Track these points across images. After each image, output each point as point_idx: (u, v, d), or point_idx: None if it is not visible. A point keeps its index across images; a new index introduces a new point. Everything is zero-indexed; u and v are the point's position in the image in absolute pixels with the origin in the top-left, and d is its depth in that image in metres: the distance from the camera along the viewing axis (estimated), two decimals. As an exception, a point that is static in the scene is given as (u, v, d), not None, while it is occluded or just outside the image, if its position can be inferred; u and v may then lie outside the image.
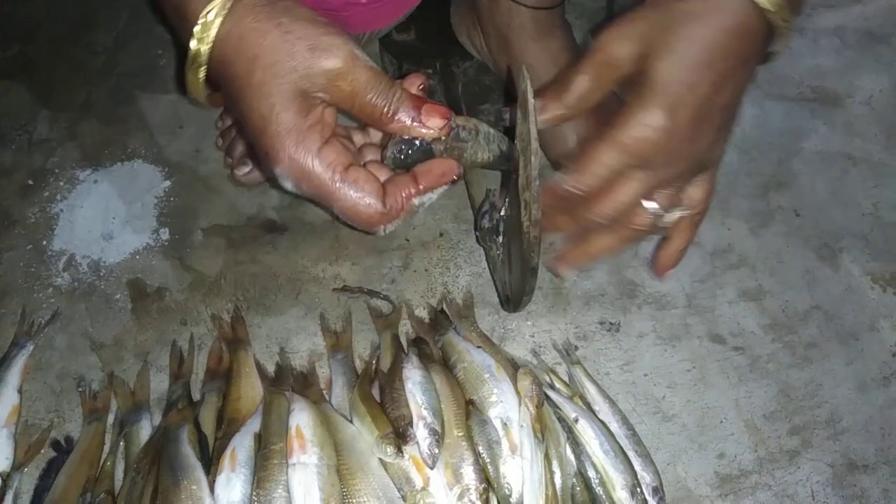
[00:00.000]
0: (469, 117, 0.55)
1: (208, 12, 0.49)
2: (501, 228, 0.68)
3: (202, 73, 0.52)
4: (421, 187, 0.53)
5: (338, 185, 0.51)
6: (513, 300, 0.69)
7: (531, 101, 0.52)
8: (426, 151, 0.53)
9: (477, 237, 0.75)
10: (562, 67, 0.80)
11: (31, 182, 0.86)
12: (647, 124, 0.51)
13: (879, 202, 0.85)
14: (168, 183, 0.86)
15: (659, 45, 0.52)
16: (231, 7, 0.49)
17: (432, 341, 0.72)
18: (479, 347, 0.69)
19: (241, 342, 0.72)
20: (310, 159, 0.50)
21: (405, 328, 0.75)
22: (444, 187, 0.54)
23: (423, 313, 0.76)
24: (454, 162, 0.54)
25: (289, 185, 0.52)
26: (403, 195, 0.53)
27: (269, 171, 0.53)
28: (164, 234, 0.82)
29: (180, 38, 0.53)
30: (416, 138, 0.52)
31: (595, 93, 0.55)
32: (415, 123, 0.52)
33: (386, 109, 0.51)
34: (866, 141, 0.91)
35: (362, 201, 0.51)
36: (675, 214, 0.58)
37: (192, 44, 0.50)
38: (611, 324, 0.76)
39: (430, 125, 0.52)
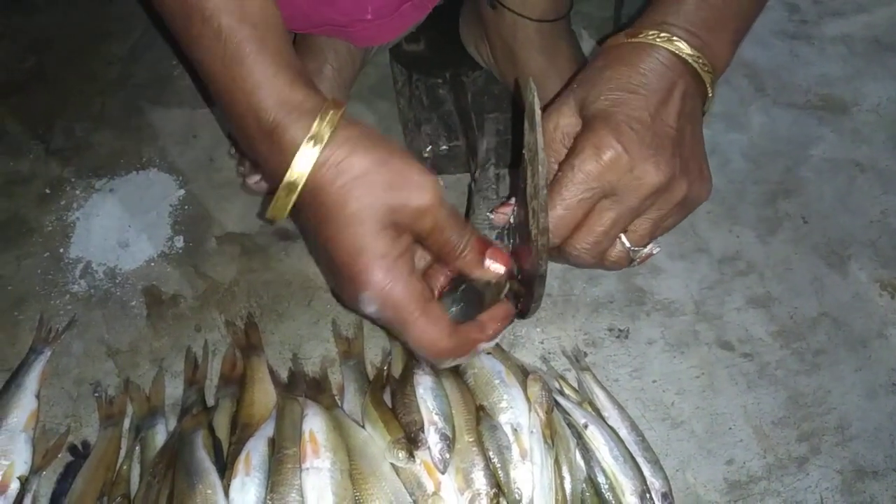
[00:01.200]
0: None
1: (310, 140, 0.50)
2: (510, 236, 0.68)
3: (294, 198, 0.52)
4: (489, 334, 0.57)
5: (417, 316, 0.53)
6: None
7: (538, 112, 0.53)
8: (480, 304, 0.57)
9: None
10: (567, 79, 0.81)
11: (48, 191, 0.88)
12: (598, 147, 0.54)
13: (887, 209, 0.86)
14: (182, 191, 0.87)
15: (590, 92, 0.56)
16: (330, 136, 0.50)
17: (443, 348, 0.73)
18: (489, 354, 0.70)
19: (254, 348, 0.73)
20: (399, 288, 0.52)
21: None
22: (504, 330, 0.59)
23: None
24: (511, 306, 0.59)
25: (371, 308, 0.54)
26: (475, 338, 0.57)
27: (351, 295, 0.54)
28: (179, 242, 0.83)
29: (264, 158, 0.54)
30: (469, 287, 0.57)
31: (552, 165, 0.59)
32: (477, 266, 0.56)
33: (458, 247, 0.54)
34: (874, 148, 0.91)
35: (435, 338, 0.54)
36: (647, 249, 0.60)
37: (289, 173, 0.51)
38: (620, 330, 0.77)
39: (494, 269, 0.56)
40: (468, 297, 0.57)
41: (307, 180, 0.51)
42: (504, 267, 0.56)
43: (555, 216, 0.55)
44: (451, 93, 0.88)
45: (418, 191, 0.52)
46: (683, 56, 0.56)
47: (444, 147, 0.84)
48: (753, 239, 0.83)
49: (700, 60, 0.56)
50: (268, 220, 0.57)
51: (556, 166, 0.58)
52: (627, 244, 0.59)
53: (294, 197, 0.52)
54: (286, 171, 0.51)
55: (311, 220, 0.54)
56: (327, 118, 0.51)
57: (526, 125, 0.56)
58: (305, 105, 0.51)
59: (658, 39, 0.56)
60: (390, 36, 0.84)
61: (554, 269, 0.79)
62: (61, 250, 0.83)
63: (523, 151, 0.57)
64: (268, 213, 0.54)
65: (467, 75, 0.90)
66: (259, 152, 0.53)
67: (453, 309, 0.57)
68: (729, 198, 0.87)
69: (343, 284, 0.55)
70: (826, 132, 0.93)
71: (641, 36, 0.56)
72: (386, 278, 0.52)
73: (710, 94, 0.59)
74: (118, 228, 0.84)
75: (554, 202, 0.55)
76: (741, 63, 0.99)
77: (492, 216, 0.64)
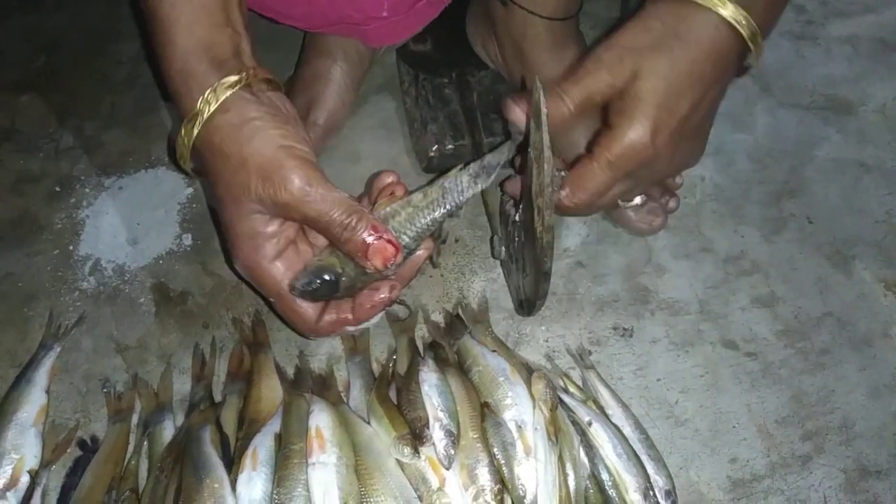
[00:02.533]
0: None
1: (188, 124, 0.55)
2: (515, 234, 0.69)
3: (188, 151, 0.57)
4: (355, 316, 0.60)
5: (282, 297, 0.58)
6: (527, 304, 0.71)
7: (544, 110, 0.54)
8: (332, 286, 0.58)
9: (492, 248, 0.77)
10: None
11: (58, 189, 0.89)
12: (633, 144, 0.56)
13: (892, 209, 0.86)
14: (190, 190, 0.88)
15: (647, 65, 0.56)
16: (205, 123, 0.54)
17: (448, 345, 0.73)
18: (493, 351, 0.70)
19: (261, 345, 0.74)
20: (261, 268, 0.58)
21: (421, 332, 0.76)
22: (379, 315, 0.62)
23: (438, 318, 0.77)
24: (386, 295, 0.60)
25: (244, 276, 0.60)
26: (338, 320, 0.60)
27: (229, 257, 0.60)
28: (187, 240, 0.84)
29: (177, 109, 0.58)
30: (324, 272, 0.58)
31: (588, 106, 0.59)
32: (363, 257, 0.56)
33: (338, 236, 0.56)
34: (879, 148, 0.91)
35: (298, 315, 0.59)
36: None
37: (178, 140, 0.56)
38: (624, 329, 0.77)
39: (374, 264, 0.57)
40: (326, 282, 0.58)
41: (196, 139, 0.55)
42: (382, 264, 0.56)
43: (584, 198, 0.59)
44: (457, 92, 0.89)
45: (282, 186, 0.54)
46: (735, 26, 0.55)
47: (450, 146, 0.85)
48: (758, 239, 0.84)
49: (756, 35, 0.56)
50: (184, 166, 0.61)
51: (571, 107, 0.58)
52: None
53: (187, 150, 0.57)
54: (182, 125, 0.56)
55: (208, 176, 0.58)
56: (208, 101, 0.54)
57: (532, 124, 0.56)
58: (215, 67, 0.55)
59: (717, 2, 0.55)
60: (404, 34, 0.84)
61: (559, 268, 0.80)
62: (71, 247, 0.84)
63: (529, 150, 0.58)
64: (176, 155, 0.59)
65: (473, 75, 0.90)
66: (174, 98, 0.57)
67: (307, 289, 0.58)
68: (734, 198, 0.87)
69: (228, 249, 0.60)
70: (831, 132, 0.93)
71: None
72: (249, 257, 0.57)
73: (754, 56, 0.58)
74: (127, 226, 0.85)
75: (587, 187, 0.58)
76: (747, 63, 0.99)
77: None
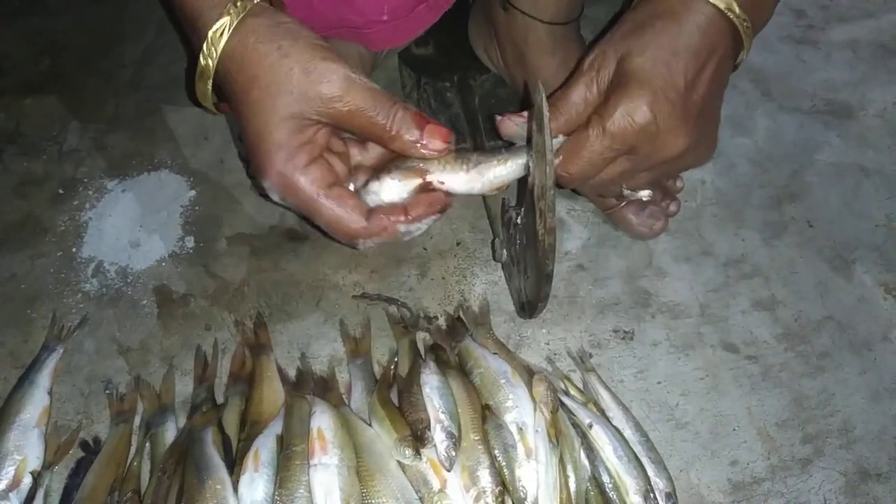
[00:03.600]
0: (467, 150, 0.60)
1: (217, 29, 0.53)
2: (517, 236, 0.69)
3: (209, 85, 0.56)
4: (410, 216, 0.57)
5: (322, 200, 0.55)
6: (528, 306, 0.71)
7: (546, 114, 0.54)
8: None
9: (493, 251, 0.77)
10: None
11: (61, 191, 0.89)
12: (631, 114, 0.55)
13: (892, 213, 0.86)
14: (193, 192, 0.88)
15: (635, 44, 0.56)
16: (236, 27, 0.53)
17: (449, 348, 0.73)
18: (495, 354, 0.70)
19: (263, 347, 0.74)
20: (296, 175, 0.54)
21: (423, 335, 0.76)
22: (432, 217, 0.58)
23: (440, 320, 0.78)
24: (442, 195, 0.58)
25: (276, 197, 0.57)
26: (391, 219, 0.57)
27: (259, 183, 0.57)
28: (190, 242, 0.84)
29: (191, 44, 0.56)
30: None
31: (590, 102, 0.59)
32: (415, 146, 0.55)
33: (388, 128, 0.54)
34: (879, 153, 0.92)
35: (344, 216, 0.56)
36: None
37: (201, 59, 0.54)
38: (625, 332, 0.77)
39: (432, 147, 0.55)
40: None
41: (217, 68, 0.54)
42: (443, 144, 0.55)
43: (578, 166, 0.57)
44: (458, 96, 0.89)
45: (322, 80, 0.52)
46: (729, 16, 0.55)
47: (451, 150, 0.85)
48: (759, 242, 0.84)
49: (745, 23, 0.56)
50: (203, 106, 0.60)
51: (579, 101, 0.59)
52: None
53: (208, 84, 0.55)
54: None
55: (231, 108, 0.57)
56: (237, 8, 0.53)
57: (534, 126, 0.57)
58: None
59: None
60: (405, 38, 0.85)
61: (560, 271, 0.80)
62: (74, 250, 0.84)
63: (531, 153, 0.58)
64: (197, 95, 0.57)
65: (475, 79, 0.90)
66: (189, 42, 0.56)
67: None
68: (735, 201, 0.87)
69: (254, 171, 0.57)
70: (832, 137, 0.93)
71: None
72: (285, 167, 0.54)
73: (745, 50, 0.59)
74: (130, 228, 0.85)
75: (580, 154, 0.57)
76: (747, 68, 1.00)
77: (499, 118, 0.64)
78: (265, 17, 0.54)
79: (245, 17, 0.53)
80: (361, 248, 0.59)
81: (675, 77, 0.55)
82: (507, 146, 0.62)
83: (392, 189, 0.58)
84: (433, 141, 0.55)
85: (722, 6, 0.55)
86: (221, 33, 0.53)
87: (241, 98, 0.54)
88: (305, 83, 0.52)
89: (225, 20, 0.53)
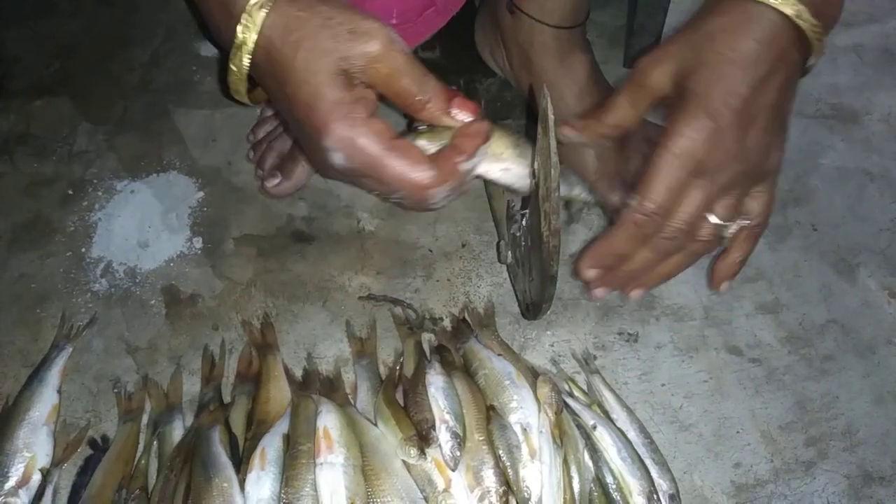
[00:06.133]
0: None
1: (253, 4, 0.52)
2: (522, 238, 0.70)
3: (247, 61, 0.54)
4: (465, 153, 0.54)
5: (388, 152, 0.52)
6: (533, 308, 0.71)
7: (551, 117, 0.54)
8: None
9: (498, 253, 0.77)
10: (582, 86, 0.82)
11: (70, 192, 0.90)
12: (694, 131, 0.53)
13: (897, 218, 0.86)
14: (201, 194, 0.89)
15: (693, 62, 0.54)
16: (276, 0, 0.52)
17: (454, 349, 0.74)
18: (499, 355, 0.71)
19: (270, 347, 0.75)
20: (358, 128, 0.52)
21: (428, 336, 0.77)
22: (483, 157, 0.56)
23: (445, 322, 0.78)
24: (482, 122, 0.55)
25: (339, 158, 0.53)
26: (454, 161, 0.54)
27: (317, 150, 0.54)
28: (198, 243, 0.85)
29: (218, 30, 0.55)
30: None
31: (632, 114, 0.58)
32: (444, 115, 0.54)
33: (419, 97, 0.53)
34: (884, 157, 0.92)
35: (413, 167, 0.52)
36: (736, 225, 0.59)
37: (239, 30, 0.53)
38: (629, 334, 0.78)
39: (460, 118, 0.54)
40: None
41: (259, 42, 0.52)
42: (471, 114, 0.54)
43: (658, 196, 0.55)
44: (464, 99, 0.90)
45: (366, 38, 0.51)
46: (798, 22, 0.53)
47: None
48: (763, 246, 0.84)
49: (816, 28, 0.54)
50: (234, 96, 0.58)
51: (625, 114, 0.58)
52: (716, 220, 0.58)
53: (246, 61, 0.53)
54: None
55: (272, 85, 0.55)
56: None
57: (539, 130, 0.57)
58: None
59: None
60: (413, 41, 0.85)
61: (565, 274, 0.80)
62: (83, 250, 0.85)
63: (536, 156, 0.59)
64: (229, 83, 0.55)
65: (481, 82, 0.91)
66: (218, 25, 0.55)
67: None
68: (739, 205, 0.87)
69: (309, 143, 0.55)
70: (836, 141, 0.94)
71: None
72: (345, 122, 0.52)
73: (817, 52, 0.57)
74: (138, 229, 0.86)
75: (655, 184, 0.55)
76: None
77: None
78: None
79: None
80: (431, 203, 0.55)
81: (737, 86, 0.53)
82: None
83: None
84: (462, 112, 0.54)
85: (790, 12, 0.53)
86: (261, 6, 0.52)
87: (286, 65, 0.53)
88: (350, 42, 0.51)
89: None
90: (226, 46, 0.55)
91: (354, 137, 0.52)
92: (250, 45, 0.53)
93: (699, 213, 0.56)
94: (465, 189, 0.57)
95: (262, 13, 0.52)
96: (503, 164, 0.59)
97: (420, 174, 0.53)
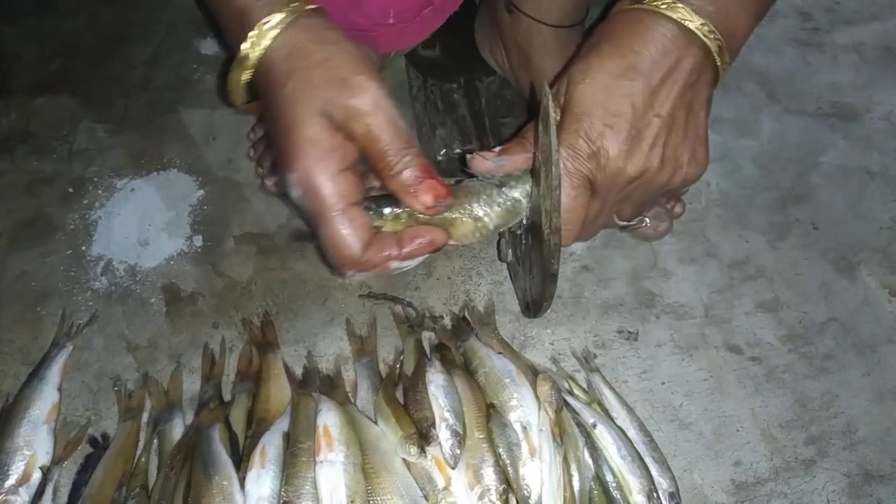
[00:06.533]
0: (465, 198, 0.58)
1: (267, 22, 0.53)
2: (522, 236, 0.70)
3: (246, 76, 0.55)
4: (403, 252, 0.54)
5: (336, 215, 0.52)
6: (533, 306, 0.71)
7: (552, 115, 0.54)
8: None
9: (498, 251, 0.77)
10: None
11: (71, 190, 0.90)
12: (573, 147, 0.55)
13: (897, 216, 0.86)
14: (202, 192, 0.89)
15: (577, 71, 0.55)
16: (289, 23, 0.53)
17: (454, 347, 0.74)
18: (499, 353, 0.71)
19: (270, 346, 0.75)
20: (324, 179, 0.52)
21: (428, 334, 0.77)
22: (426, 255, 0.56)
23: (445, 320, 0.78)
24: (442, 232, 0.56)
25: (294, 193, 0.53)
26: (384, 254, 0.54)
27: (283, 174, 0.54)
28: (198, 241, 0.85)
29: (229, 39, 0.56)
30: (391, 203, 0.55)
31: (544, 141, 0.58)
32: (408, 193, 0.53)
33: (392, 164, 0.52)
34: (884, 155, 0.92)
35: (347, 241, 0.52)
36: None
37: (244, 46, 0.53)
38: (629, 333, 0.78)
39: (423, 200, 0.53)
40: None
41: (261, 60, 0.53)
42: (433, 202, 0.53)
43: (571, 235, 0.58)
44: (465, 97, 0.90)
45: (355, 92, 0.51)
46: (691, 28, 0.52)
47: (458, 150, 0.86)
48: (763, 244, 0.84)
49: (711, 34, 0.53)
50: (232, 101, 0.59)
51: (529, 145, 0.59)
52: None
53: (245, 75, 0.54)
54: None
55: (263, 103, 0.55)
56: (290, 8, 0.53)
57: (540, 128, 0.57)
58: None
59: (663, 6, 0.52)
60: (411, 40, 0.85)
61: (565, 272, 0.80)
62: (83, 248, 0.85)
63: (536, 153, 0.59)
64: (228, 91, 0.56)
65: (481, 80, 0.91)
66: (231, 35, 0.56)
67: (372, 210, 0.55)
68: (739, 203, 0.88)
69: (280, 160, 0.55)
70: (837, 139, 0.94)
71: (647, 1, 0.53)
72: (314, 165, 0.52)
73: (722, 69, 0.56)
74: (139, 227, 0.86)
75: (568, 226, 0.57)
76: (753, 70, 1.00)
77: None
78: (318, 19, 0.54)
79: (298, 17, 0.53)
80: (347, 277, 0.56)
81: (620, 102, 0.53)
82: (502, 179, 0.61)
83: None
84: (425, 195, 0.53)
85: (677, 17, 0.52)
86: (273, 27, 0.53)
87: (277, 89, 0.53)
88: (337, 90, 0.52)
89: (277, 16, 0.53)
90: (229, 48, 0.56)
91: (315, 184, 0.52)
92: (252, 61, 0.54)
93: (594, 223, 0.60)
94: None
95: (273, 33, 0.53)
96: (473, 239, 0.60)
97: (351, 252, 0.53)
